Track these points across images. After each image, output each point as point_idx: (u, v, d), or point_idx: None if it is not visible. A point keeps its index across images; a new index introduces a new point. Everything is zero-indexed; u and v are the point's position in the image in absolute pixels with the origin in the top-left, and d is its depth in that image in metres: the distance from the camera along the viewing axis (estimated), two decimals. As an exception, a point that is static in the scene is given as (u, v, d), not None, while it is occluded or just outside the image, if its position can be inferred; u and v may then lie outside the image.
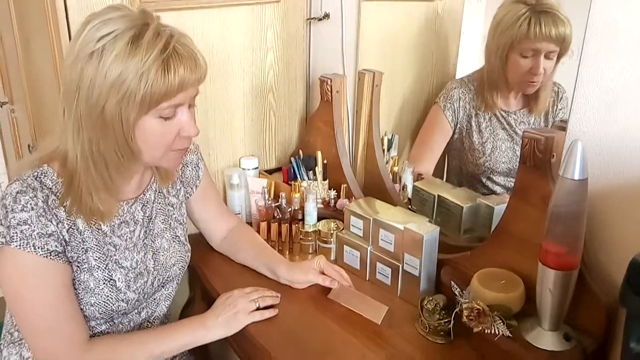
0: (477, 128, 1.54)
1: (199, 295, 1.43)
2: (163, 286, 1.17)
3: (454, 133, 1.56)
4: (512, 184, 1.61)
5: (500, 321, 0.99)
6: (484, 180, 1.57)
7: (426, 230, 1.16)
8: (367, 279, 1.31)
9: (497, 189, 1.44)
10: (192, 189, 1.26)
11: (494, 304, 1.01)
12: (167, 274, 1.16)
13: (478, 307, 1.00)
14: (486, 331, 1.00)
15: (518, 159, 1.66)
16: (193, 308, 1.49)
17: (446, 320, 1.08)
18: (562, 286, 0.93)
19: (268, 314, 1.14)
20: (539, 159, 0.98)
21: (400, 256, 1.21)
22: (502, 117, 1.44)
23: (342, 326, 1.13)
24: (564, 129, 1.01)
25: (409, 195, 1.52)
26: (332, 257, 1.39)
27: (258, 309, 1.14)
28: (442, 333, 1.09)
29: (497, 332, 0.99)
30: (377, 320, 1.13)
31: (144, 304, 1.14)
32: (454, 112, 1.47)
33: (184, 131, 0.98)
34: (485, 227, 1.29)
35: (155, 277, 1.13)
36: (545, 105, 1.35)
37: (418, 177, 1.57)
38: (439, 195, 1.36)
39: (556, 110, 1.41)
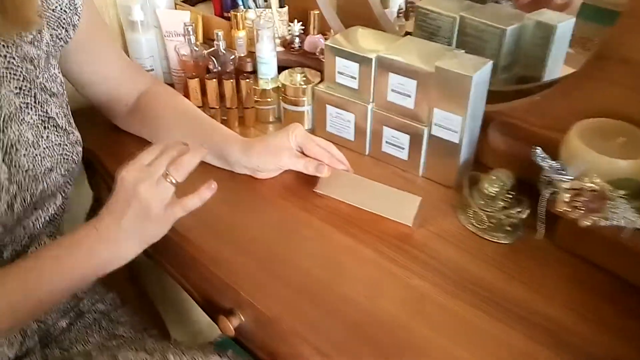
0: None
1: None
2: (36, 209, 0.67)
3: None
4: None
5: (630, 207, 0.59)
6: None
7: (475, 66, 0.70)
8: (367, 153, 0.86)
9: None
10: (65, 30, 0.71)
11: (615, 179, 0.60)
12: (40, 186, 0.65)
13: (593, 186, 0.59)
14: (602, 223, 0.60)
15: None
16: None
17: (519, 209, 0.68)
18: None
19: (207, 191, 0.65)
20: None
21: (425, 114, 0.76)
22: None
23: (347, 235, 0.70)
24: None
25: (403, 23, 1.04)
26: (307, 127, 0.92)
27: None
28: (508, 228, 0.69)
29: (622, 225, 0.59)
30: (407, 220, 0.70)
31: (6, 241, 0.65)
32: None
33: None
34: (537, 60, 0.86)
35: (16, 196, 0.62)
36: None
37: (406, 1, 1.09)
38: (462, 17, 0.89)
39: None
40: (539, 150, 0.63)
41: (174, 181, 0.63)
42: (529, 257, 0.67)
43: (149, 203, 0.61)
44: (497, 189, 0.67)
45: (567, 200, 0.61)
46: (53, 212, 0.70)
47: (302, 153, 0.76)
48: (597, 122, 0.65)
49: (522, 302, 0.61)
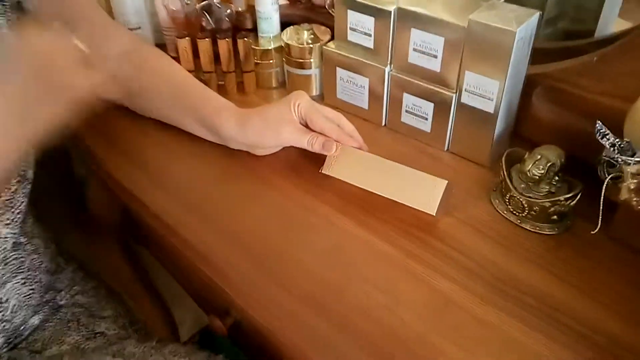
0: None
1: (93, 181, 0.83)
2: None
3: None
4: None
5: None
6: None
7: (518, 19, 0.57)
8: (384, 124, 0.74)
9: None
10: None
11: (698, 161, 0.48)
12: None
13: (670, 171, 0.47)
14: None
15: None
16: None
17: (568, 195, 0.56)
18: None
19: None
20: None
21: (454, 79, 0.63)
22: None
23: (360, 225, 0.59)
24: None
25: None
26: (315, 93, 0.80)
27: None
28: (554, 217, 0.57)
29: None
30: (430, 208, 0.59)
31: None
32: None
33: None
34: (589, 11, 0.72)
35: None
36: None
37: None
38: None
39: None
40: (599, 125, 0.50)
41: (84, 49, 0.46)
42: (580, 252, 0.55)
43: (51, 55, 0.45)
44: (542, 171, 0.55)
45: (633, 187, 0.49)
46: (8, 199, 0.59)
47: (307, 126, 0.64)
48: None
49: (573, 311, 0.50)
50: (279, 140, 0.65)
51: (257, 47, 0.79)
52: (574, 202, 0.56)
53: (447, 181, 0.58)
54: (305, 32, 0.79)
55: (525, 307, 0.50)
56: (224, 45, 0.77)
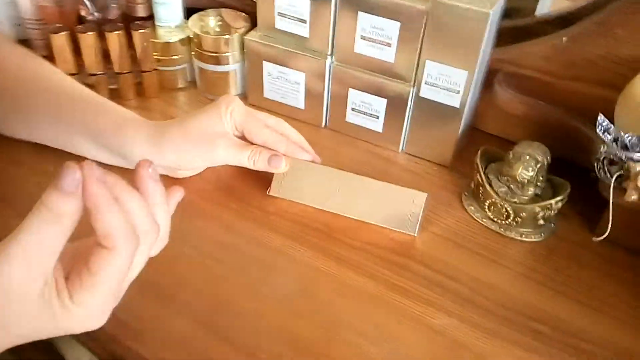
0: None
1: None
2: None
3: None
4: None
5: None
6: None
7: (489, -3, 0.49)
8: (324, 125, 0.63)
9: None
10: None
11: None
12: None
13: (688, 166, 0.41)
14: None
15: None
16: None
17: (559, 198, 0.49)
18: None
19: None
20: None
21: (411, 70, 0.54)
22: None
23: (328, 256, 0.48)
24: None
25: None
26: (236, 92, 0.67)
27: None
28: (541, 222, 0.50)
29: None
30: (409, 229, 0.49)
31: None
32: None
33: None
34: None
35: None
36: None
37: None
38: None
39: None
40: (601, 118, 0.44)
41: None
42: (575, 260, 0.50)
43: None
44: (532, 173, 0.48)
45: (642, 186, 0.43)
46: None
47: (243, 138, 0.52)
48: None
49: (586, 332, 0.44)
50: (210, 160, 0.51)
51: (156, 40, 0.64)
52: (561, 204, 0.49)
53: (426, 194, 0.49)
54: (211, 19, 0.65)
55: (535, 335, 0.43)
56: (114, 39, 0.61)
